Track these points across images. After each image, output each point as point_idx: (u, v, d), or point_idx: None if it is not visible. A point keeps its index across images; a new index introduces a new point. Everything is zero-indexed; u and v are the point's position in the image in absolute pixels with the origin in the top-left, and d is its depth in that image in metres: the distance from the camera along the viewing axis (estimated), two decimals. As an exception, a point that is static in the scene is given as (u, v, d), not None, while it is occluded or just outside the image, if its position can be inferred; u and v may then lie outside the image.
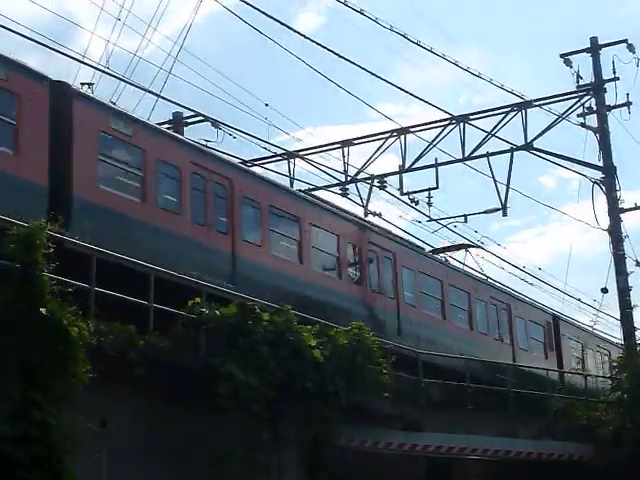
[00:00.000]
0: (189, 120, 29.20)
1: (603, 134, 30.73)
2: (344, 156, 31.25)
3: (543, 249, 79.57)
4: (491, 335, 30.41)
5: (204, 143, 23.40)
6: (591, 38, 31.69)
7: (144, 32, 24.49)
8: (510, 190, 30.37)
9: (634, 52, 31.68)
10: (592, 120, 30.90)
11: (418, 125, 31.60)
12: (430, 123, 31.14)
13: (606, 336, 38.49)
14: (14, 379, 12.84)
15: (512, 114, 29.98)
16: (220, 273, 19.33)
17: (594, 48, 31.45)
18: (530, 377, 29.40)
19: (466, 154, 30.26)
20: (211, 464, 16.19)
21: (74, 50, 31.97)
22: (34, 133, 16.38)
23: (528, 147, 30.02)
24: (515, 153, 30.08)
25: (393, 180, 31.35)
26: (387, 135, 31.24)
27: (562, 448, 26.40)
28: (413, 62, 79.21)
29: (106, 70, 21.73)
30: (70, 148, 17.04)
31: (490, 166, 30.10)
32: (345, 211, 26.41)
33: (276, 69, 67.95)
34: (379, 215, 30.72)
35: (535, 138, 30.03)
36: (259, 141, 27.41)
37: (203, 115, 26.81)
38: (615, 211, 30.61)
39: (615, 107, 31.08)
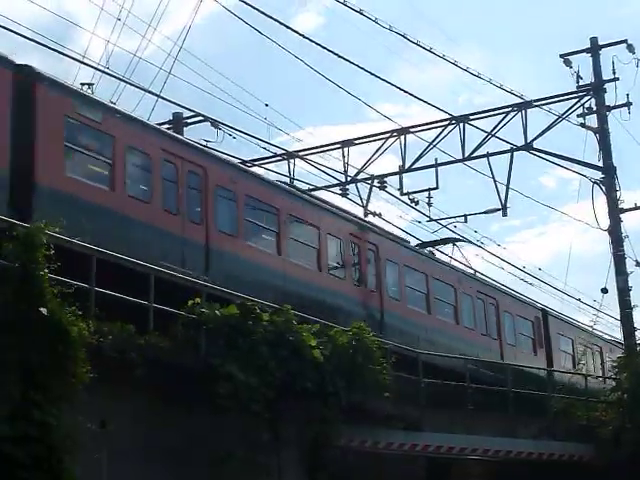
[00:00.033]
0: (189, 120, 29.18)
1: (603, 134, 30.73)
2: (344, 156, 31.26)
3: (543, 249, 79.67)
4: (478, 330, 29.89)
5: (204, 143, 23.36)
6: (591, 38, 31.70)
7: (144, 32, 24.51)
8: (510, 190, 30.40)
9: (634, 52, 31.70)
10: (592, 120, 30.93)
11: (418, 125, 31.61)
12: (430, 123, 31.15)
13: (598, 332, 38.22)
14: (14, 379, 12.83)
15: (512, 114, 29.99)
16: (193, 264, 18.89)
17: (594, 48, 31.46)
18: (525, 376, 29.11)
19: (466, 154, 30.26)
20: (211, 464, 16.19)
21: (74, 50, 32.12)
22: None
23: (528, 147, 30.02)
24: (515, 153, 30.09)
25: (393, 180, 31.39)
26: (387, 135, 31.23)
27: (562, 448, 26.40)
28: (413, 62, 79.34)
29: (106, 70, 21.75)
30: (33, 133, 16.41)
31: (490, 166, 30.13)
32: (326, 202, 26.01)
33: (276, 69, 68.04)
34: (379, 215, 30.73)
35: (535, 138, 30.04)
36: (259, 141, 27.45)
37: (203, 115, 26.81)
38: (615, 211, 30.61)
39: (615, 107, 31.09)
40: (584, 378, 30.56)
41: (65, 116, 17.10)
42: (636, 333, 30.98)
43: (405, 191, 31.32)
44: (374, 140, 31.63)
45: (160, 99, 23.07)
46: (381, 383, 20.07)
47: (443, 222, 33.13)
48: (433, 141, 30.46)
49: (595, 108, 30.95)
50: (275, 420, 17.19)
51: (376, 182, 31.13)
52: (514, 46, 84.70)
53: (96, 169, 17.80)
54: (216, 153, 22.20)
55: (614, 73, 30.98)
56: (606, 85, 31.06)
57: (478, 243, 33.91)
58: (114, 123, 18.12)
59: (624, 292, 30.30)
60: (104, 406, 14.58)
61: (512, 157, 30.04)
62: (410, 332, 25.96)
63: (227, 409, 16.06)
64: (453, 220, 33.49)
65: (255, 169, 26.83)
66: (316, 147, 31.62)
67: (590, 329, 37.73)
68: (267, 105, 28.99)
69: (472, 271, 32.12)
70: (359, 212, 29.58)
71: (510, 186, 30.29)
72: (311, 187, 29.88)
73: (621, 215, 30.80)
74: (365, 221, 27.34)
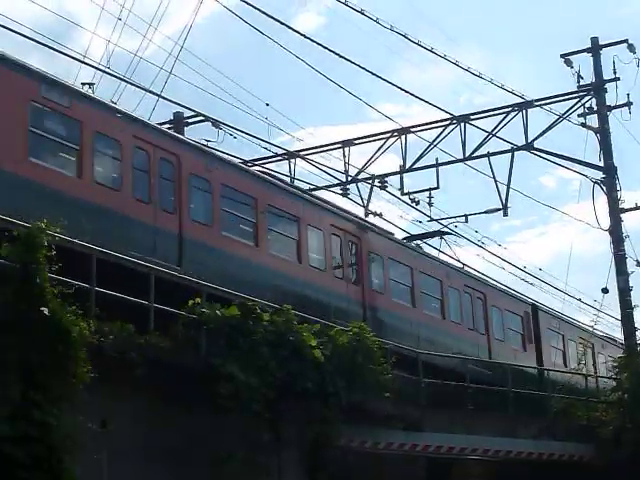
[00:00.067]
0: (190, 120, 29.20)
1: (604, 134, 30.74)
2: (345, 156, 31.28)
3: (544, 249, 79.62)
4: (464, 324, 29.29)
5: (205, 143, 23.35)
6: (592, 38, 31.72)
7: (145, 32, 24.45)
8: (511, 190, 30.41)
9: (634, 52, 31.71)
10: (593, 120, 30.95)
11: (419, 125, 31.62)
12: (431, 123, 31.16)
13: (590, 328, 37.87)
14: (14, 379, 12.83)
15: (513, 114, 29.99)
16: (165, 254, 18.33)
17: (595, 48, 31.47)
18: (521, 375, 28.86)
19: (467, 154, 30.28)
20: (211, 464, 16.19)
21: (75, 50, 32.09)
22: None
23: (529, 147, 30.03)
24: (516, 153, 30.10)
25: (394, 180, 31.39)
26: (388, 135, 31.25)
27: (562, 448, 26.42)
28: (413, 62, 79.12)
29: (107, 70, 21.67)
30: None
31: (491, 166, 30.15)
32: (308, 193, 25.66)
33: (276, 69, 68.04)
34: (380, 215, 30.73)
35: (536, 138, 30.05)
36: (260, 141, 27.38)
37: (204, 115, 26.79)
38: (616, 211, 30.62)
39: (616, 107, 31.10)
40: (584, 378, 30.55)
41: (30, 100, 16.62)
42: (637, 333, 31.00)
43: (406, 191, 31.36)
44: (375, 140, 31.66)
45: (161, 99, 22.99)
46: (381, 383, 20.06)
47: (444, 222, 33.18)
48: (434, 141, 30.48)
49: (596, 108, 30.96)
50: (275, 420, 17.18)
51: (377, 182, 31.12)
52: (514, 46, 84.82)
53: (63, 155, 17.30)
54: (190, 141, 21.69)
55: (615, 73, 31.04)
56: (607, 85, 31.08)
57: (479, 243, 33.91)
58: (83, 108, 17.62)
59: (625, 292, 30.31)
60: (104, 406, 14.59)
61: (513, 157, 30.09)
62: (394, 326, 25.35)
63: (227, 409, 16.05)
64: (454, 220, 33.55)
65: (256, 169, 26.78)
66: (317, 147, 31.64)
67: (582, 324, 37.21)
68: (268, 105, 29.02)
69: (460, 265, 31.69)
70: (360, 212, 29.62)
71: (511, 186, 30.35)
72: (312, 187, 29.88)
73: (622, 215, 30.82)
74: (348, 212, 26.62)
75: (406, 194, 31.34)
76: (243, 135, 26.09)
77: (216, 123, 26.33)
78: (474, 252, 34.75)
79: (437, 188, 31.26)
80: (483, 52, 79.57)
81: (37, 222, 13.64)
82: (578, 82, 31.14)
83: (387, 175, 31.44)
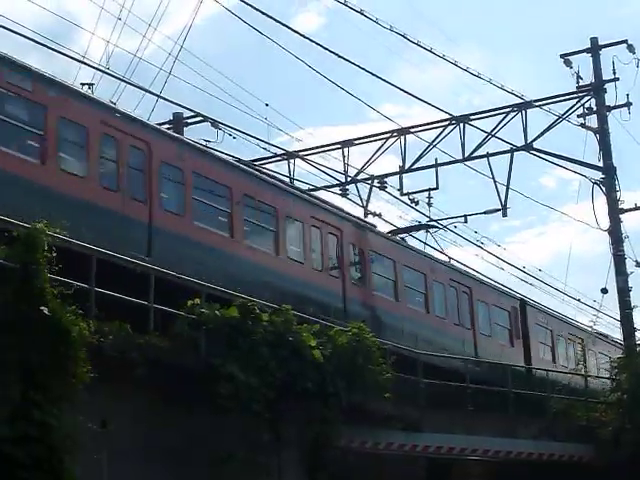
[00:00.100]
0: (189, 120, 29.17)
1: (603, 134, 30.74)
2: (344, 156, 31.29)
3: (543, 249, 79.69)
4: (449, 319, 28.82)
5: (204, 143, 23.32)
6: (591, 38, 31.73)
7: (144, 32, 24.48)
8: (510, 190, 30.43)
9: (634, 53, 31.75)
10: (592, 120, 30.96)
11: (418, 125, 31.63)
12: (430, 123, 31.16)
13: (579, 324, 37.44)
14: (14, 379, 12.81)
15: (512, 114, 30.01)
16: (134, 243, 17.80)
17: (594, 48, 31.47)
18: (516, 374, 28.70)
19: (466, 154, 30.28)
20: (211, 464, 16.17)
21: (74, 50, 32.06)
22: None
23: (528, 147, 30.04)
24: (515, 153, 30.12)
25: (393, 180, 31.42)
26: (387, 135, 31.26)
27: (562, 449, 26.43)
28: (413, 62, 79.33)
29: (106, 70, 21.72)
30: None
31: (490, 166, 30.16)
32: (287, 184, 25.32)
33: (276, 69, 68.04)
34: (379, 215, 30.74)
35: (535, 138, 30.07)
36: (259, 141, 27.44)
37: (203, 115, 26.78)
38: (615, 211, 30.62)
39: (615, 107, 31.11)
40: (584, 378, 30.56)
41: None
42: (636, 333, 31.04)
43: (405, 191, 31.39)
44: (374, 140, 31.67)
45: (160, 99, 23.05)
46: (381, 384, 20.03)
47: (443, 222, 33.17)
48: (433, 141, 30.49)
49: (595, 108, 30.97)
50: (275, 420, 17.17)
51: (376, 182, 31.15)
52: (514, 46, 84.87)
53: (25, 141, 16.67)
54: (161, 128, 20.95)
55: (614, 73, 31.07)
56: (606, 85, 31.10)
57: (478, 243, 33.91)
58: (47, 92, 17.06)
59: (624, 292, 30.31)
60: (104, 406, 14.57)
61: (512, 157, 30.09)
62: (376, 320, 24.78)
63: (227, 409, 16.04)
64: (453, 220, 33.54)
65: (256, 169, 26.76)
66: (316, 147, 31.64)
67: (571, 320, 36.82)
68: (267, 105, 29.03)
69: (446, 258, 31.54)
70: (359, 212, 29.62)
71: (510, 186, 30.37)
72: (311, 187, 29.89)
73: (621, 215, 30.83)
74: (329, 204, 26.14)
75: (405, 194, 31.38)
76: (242, 135, 26.15)
77: (215, 123, 26.30)
78: (473, 252, 34.82)
79: (436, 188, 31.34)
80: (482, 52, 79.68)
81: (37, 222, 13.63)
82: (578, 82, 31.18)
83: (386, 175, 31.48)
